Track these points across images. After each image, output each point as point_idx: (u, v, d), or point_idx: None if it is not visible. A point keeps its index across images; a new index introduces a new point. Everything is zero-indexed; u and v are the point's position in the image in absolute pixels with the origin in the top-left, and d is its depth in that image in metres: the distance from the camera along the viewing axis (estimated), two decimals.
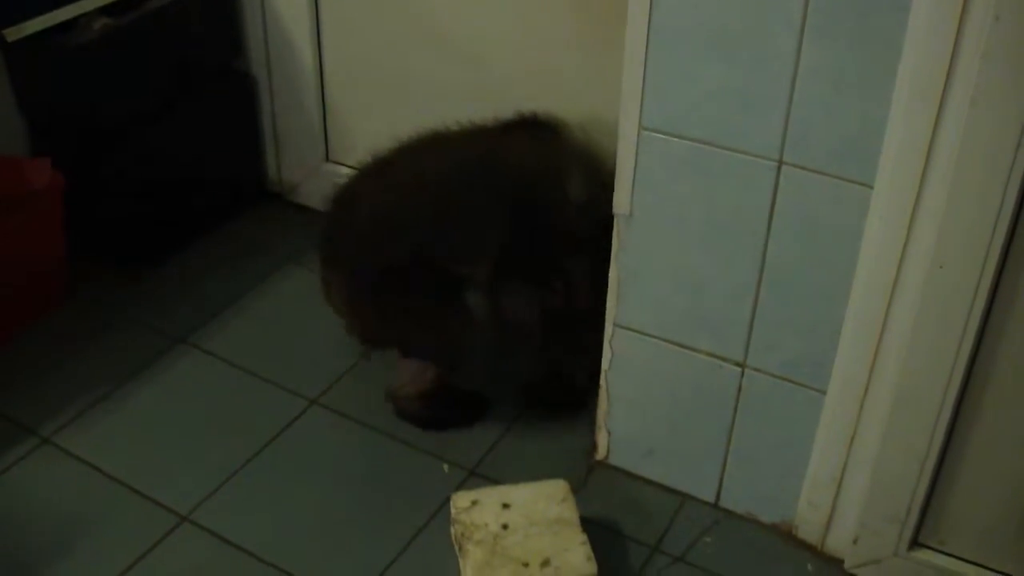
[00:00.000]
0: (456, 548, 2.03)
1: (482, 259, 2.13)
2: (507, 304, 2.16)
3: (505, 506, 2.03)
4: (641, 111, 1.82)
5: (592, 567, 1.93)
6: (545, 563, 1.93)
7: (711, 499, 2.17)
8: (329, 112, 2.88)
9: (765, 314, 1.91)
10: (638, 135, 1.85)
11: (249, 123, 2.96)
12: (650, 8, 1.75)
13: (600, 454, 2.24)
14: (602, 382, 2.15)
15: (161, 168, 2.74)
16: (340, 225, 2.31)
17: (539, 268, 2.17)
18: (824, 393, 1.93)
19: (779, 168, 1.77)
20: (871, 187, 1.71)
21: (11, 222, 2.52)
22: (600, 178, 2.12)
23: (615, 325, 2.06)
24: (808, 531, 2.08)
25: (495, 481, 2.17)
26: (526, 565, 1.92)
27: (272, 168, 3.02)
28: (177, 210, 2.83)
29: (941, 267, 1.69)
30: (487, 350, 2.21)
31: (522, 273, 2.16)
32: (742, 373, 1.99)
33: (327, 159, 2.95)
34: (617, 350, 2.09)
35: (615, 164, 1.94)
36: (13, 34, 2.49)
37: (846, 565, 2.04)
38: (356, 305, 2.28)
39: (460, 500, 2.05)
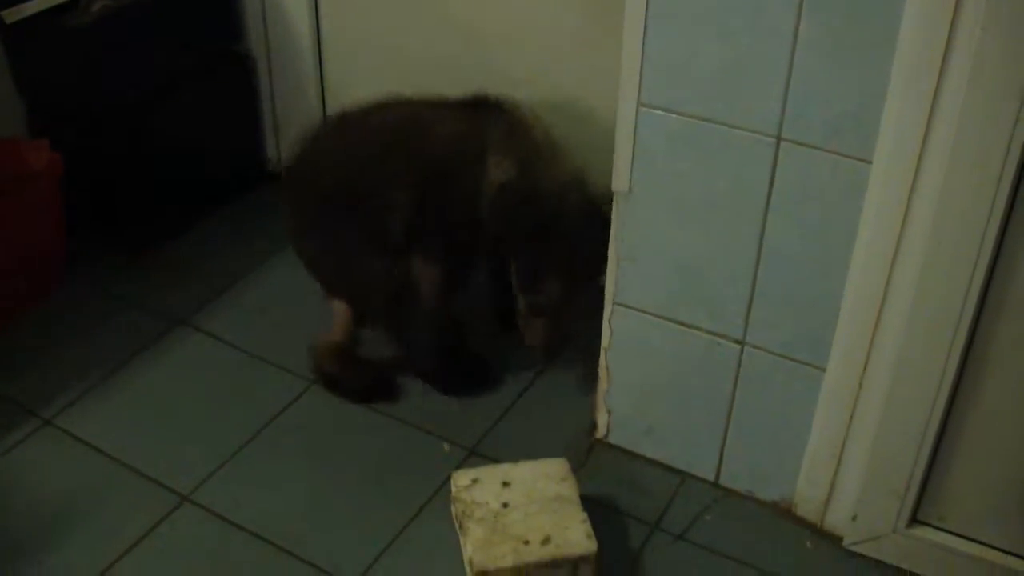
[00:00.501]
0: (457, 526, 2.03)
1: (394, 217, 2.21)
2: (412, 266, 2.25)
3: (505, 484, 2.04)
4: (640, 88, 1.82)
5: (592, 544, 1.93)
6: (546, 540, 1.93)
7: (711, 477, 2.17)
8: (328, 93, 2.88)
9: (764, 291, 1.91)
10: (637, 112, 1.85)
11: (248, 105, 2.96)
12: None
13: (600, 433, 2.25)
14: (601, 361, 2.15)
15: (160, 150, 2.74)
16: (294, 162, 2.44)
17: (442, 240, 2.24)
18: (823, 370, 1.93)
19: (778, 144, 1.77)
20: (870, 163, 1.71)
21: (9, 204, 2.51)
22: (533, 169, 2.17)
23: (614, 303, 2.06)
24: (807, 508, 2.09)
25: (495, 460, 2.17)
26: (527, 543, 1.93)
27: (272, 149, 3.03)
28: (177, 192, 2.83)
29: (940, 242, 1.69)
30: (390, 303, 2.31)
31: (428, 240, 2.23)
32: (741, 351, 1.99)
33: None
34: (616, 329, 2.09)
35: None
36: (12, 15, 2.49)
37: (845, 542, 2.05)
38: (296, 233, 2.43)
39: (460, 479, 2.06)
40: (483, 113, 2.26)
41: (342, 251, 2.31)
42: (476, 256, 2.29)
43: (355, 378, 2.38)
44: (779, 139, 1.76)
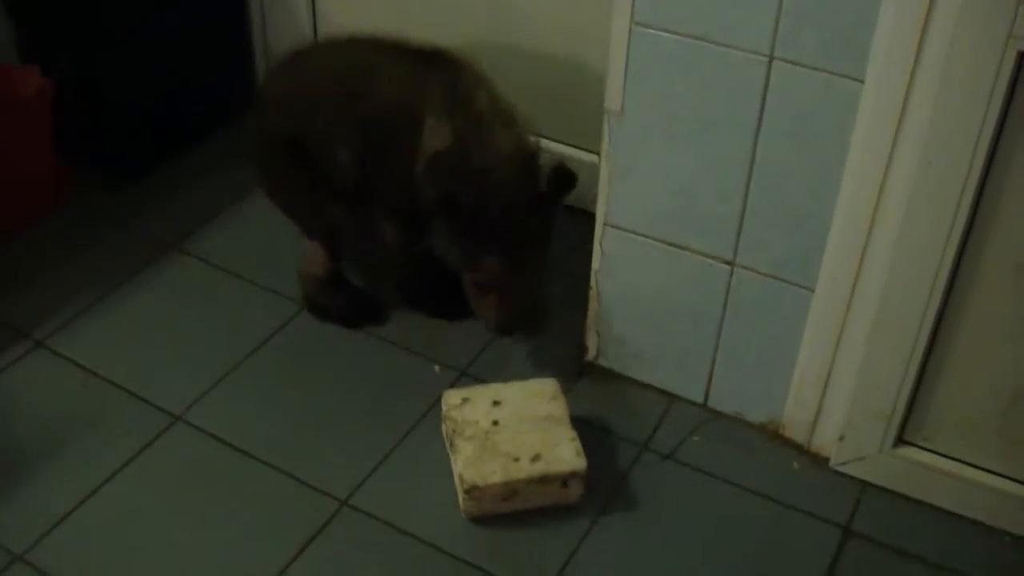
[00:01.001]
0: (447, 444, 2.05)
1: (341, 169, 2.18)
2: (370, 213, 2.23)
3: (496, 403, 2.05)
4: (633, 5, 1.82)
5: (581, 462, 1.95)
6: (535, 458, 1.95)
7: (699, 399, 2.19)
8: (319, 21, 2.86)
9: (754, 212, 1.92)
10: (630, 30, 1.84)
11: (238, 32, 2.95)
12: None
13: (590, 355, 2.26)
14: (592, 283, 2.16)
15: (150, 75, 2.73)
16: (256, 99, 2.41)
17: (388, 200, 2.20)
18: (812, 291, 1.94)
19: (770, 63, 1.77)
20: (862, 82, 1.71)
21: (0, 130, 2.51)
22: (473, 139, 2.06)
23: (605, 224, 2.07)
24: (795, 430, 2.11)
25: (486, 382, 2.18)
26: (516, 460, 1.95)
27: (261, 77, 3.01)
28: (168, 118, 2.82)
29: (929, 163, 1.70)
30: (357, 243, 2.33)
31: (376, 196, 2.20)
32: (731, 272, 2.00)
33: None
34: (607, 250, 2.10)
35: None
36: None
37: (832, 462, 2.07)
38: (258, 161, 2.39)
39: (451, 398, 2.08)
40: (433, 70, 2.13)
41: (301, 194, 2.30)
42: (424, 219, 2.19)
43: (342, 304, 2.39)
44: (772, 58, 1.76)
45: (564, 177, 2.07)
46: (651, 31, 1.83)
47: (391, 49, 2.19)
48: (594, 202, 2.09)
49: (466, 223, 2.03)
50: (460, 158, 2.04)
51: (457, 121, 2.06)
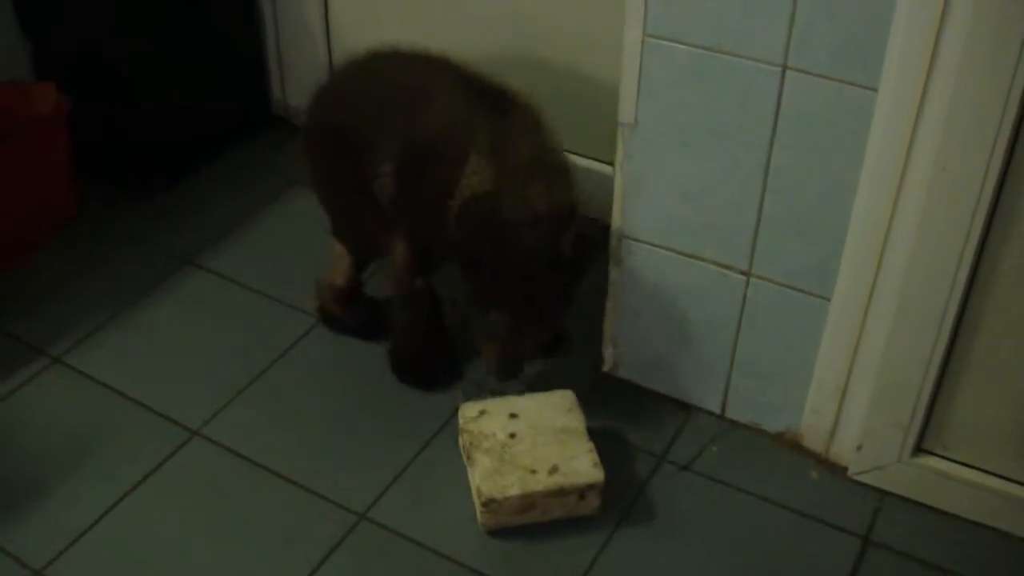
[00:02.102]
0: (464, 457, 2.05)
1: (380, 182, 2.14)
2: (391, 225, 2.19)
3: (512, 416, 2.05)
4: (645, 17, 1.82)
5: (599, 473, 1.95)
6: (553, 470, 1.95)
7: (716, 410, 2.19)
8: (333, 36, 2.87)
9: (769, 221, 1.92)
10: (642, 42, 1.85)
11: (254, 47, 2.96)
12: None
13: (607, 366, 2.26)
14: (609, 294, 2.16)
15: (165, 91, 2.74)
16: (319, 89, 2.37)
17: (415, 225, 2.16)
18: (829, 300, 1.94)
19: (783, 73, 1.77)
20: (875, 90, 1.70)
21: (17, 147, 2.52)
22: (513, 189, 1.97)
23: (621, 236, 2.07)
24: (812, 439, 2.10)
25: (502, 395, 2.19)
26: (534, 472, 1.95)
27: (277, 92, 3.02)
28: (183, 134, 2.83)
29: (945, 170, 1.69)
30: (375, 250, 2.29)
31: (403, 217, 2.17)
32: (747, 281, 2.00)
33: None
34: (623, 261, 2.10)
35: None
36: None
37: (850, 472, 2.07)
38: (306, 146, 2.36)
39: (468, 411, 2.08)
40: (487, 107, 2.06)
41: (340, 189, 2.30)
42: (440, 253, 2.15)
43: (358, 316, 2.39)
44: (785, 68, 1.76)
45: (587, 244, 1.99)
46: (664, 42, 1.83)
47: (455, 75, 2.14)
48: (608, 213, 2.09)
49: (483, 272, 1.99)
50: (494, 206, 1.97)
51: (499, 167, 1.98)
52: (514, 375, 2.11)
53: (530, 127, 2.06)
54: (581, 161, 2.60)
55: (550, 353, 2.31)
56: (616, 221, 2.07)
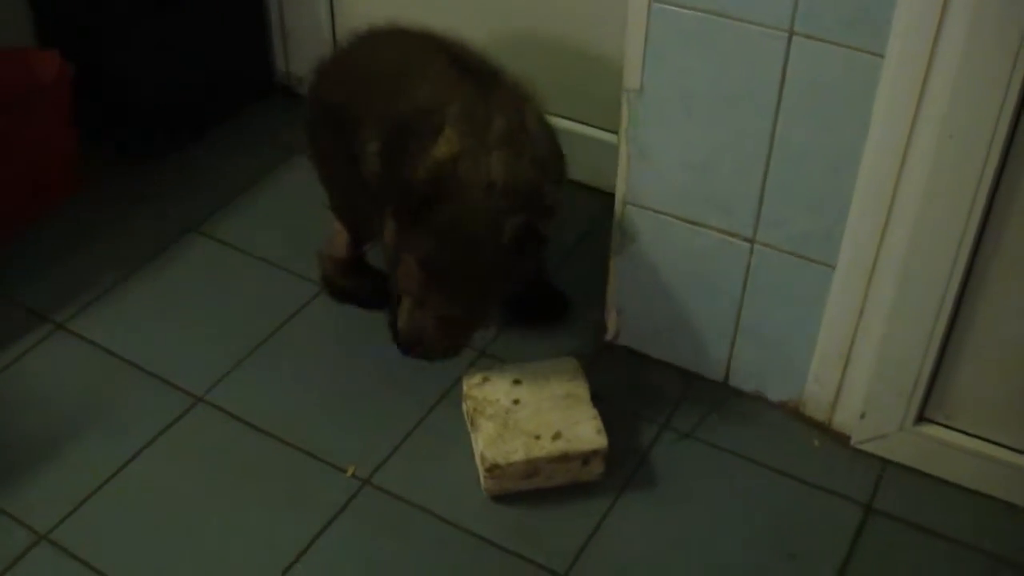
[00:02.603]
0: (468, 423, 2.06)
1: (368, 160, 2.11)
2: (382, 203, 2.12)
3: (516, 382, 2.06)
4: None
5: (603, 439, 1.96)
6: (556, 436, 1.95)
7: (719, 378, 2.19)
8: (337, 5, 2.86)
9: (774, 188, 1.91)
10: (648, 8, 1.84)
11: (256, 14, 2.95)
12: None
13: (610, 334, 2.26)
14: (611, 262, 2.16)
15: (169, 59, 2.74)
16: (321, 64, 2.35)
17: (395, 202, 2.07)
18: (833, 268, 1.94)
19: (790, 38, 1.76)
20: (882, 56, 1.70)
21: (21, 114, 2.52)
22: (481, 159, 1.92)
23: (625, 203, 2.07)
24: (815, 408, 2.11)
25: (505, 362, 2.19)
26: (537, 438, 1.95)
27: (280, 61, 3.01)
28: (186, 102, 2.82)
29: (951, 137, 1.69)
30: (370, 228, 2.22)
31: (387, 196, 2.08)
32: (751, 249, 2.00)
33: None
34: (627, 228, 2.10)
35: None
36: None
37: (852, 440, 2.07)
38: (307, 122, 2.35)
39: (472, 377, 2.08)
40: (469, 83, 2.03)
41: (336, 167, 2.29)
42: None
43: (361, 286, 2.39)
44: (791, 33, 1.76)
45: (530, 232, 1.89)
46: (670, 7, 1.83)
47: (444, 54, 2.12)
48: (611, 180, 2.09)
49: (416, 222, 1.92)
50: (454, 169, 1.91)
51: (469, 136, 1.95)
52: (408, 349, 2.02)
53: (509, 105, 2.01)
54: (583, 129, 2.60)
55: (545, 317, 2.32)
56: (620, 188, 2.06)
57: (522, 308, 2.30)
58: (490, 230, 1.88)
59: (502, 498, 1.98)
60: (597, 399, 2.04)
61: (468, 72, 2.07)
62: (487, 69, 2.10)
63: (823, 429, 2.11)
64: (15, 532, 1.94)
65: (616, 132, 2.49)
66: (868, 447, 2.06)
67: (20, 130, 2.50)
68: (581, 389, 2.05)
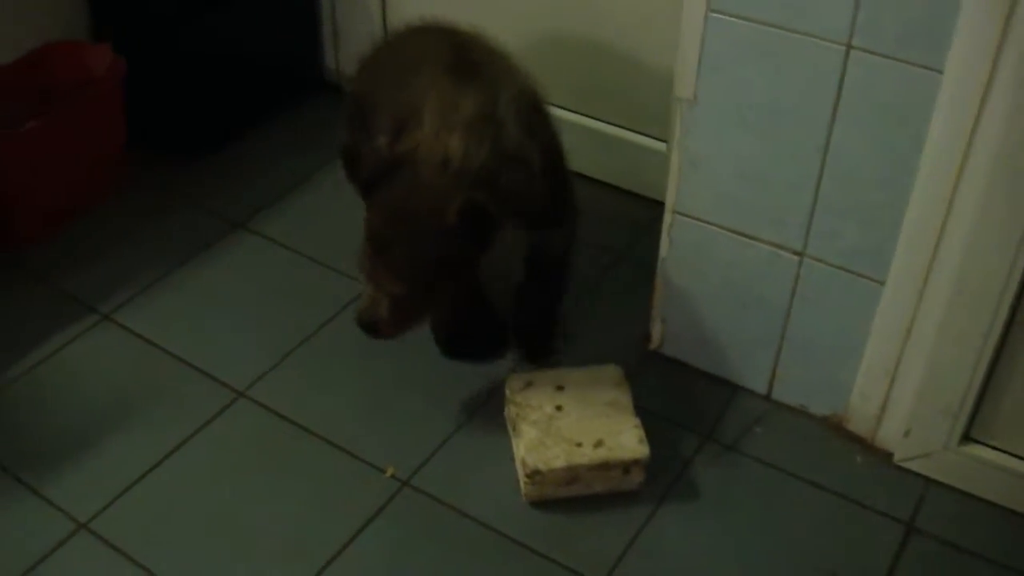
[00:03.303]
0: (510, 428, 2.05)
1: (379, 140, 2.07)
2: None
3: (559, 388, 2.05)
4: None
5: (645, 449, 1.95)
6: (598, 444, 1.95)
7: (763, 391, 2.18)
8: (389, 5, 2.87)
9: (826, 202, 1.90)
10: (705, 17, 1.83)
11: (307, 12, 2.96)
12: None
13: (654, 344, 2.25)
14: (659, 271, 2.15)
15: (220, 55, 2.75)
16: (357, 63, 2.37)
17: None
18: (882, 284, 1.92)
19: (847, 52, 1.75)
20: (941, 72, 1.69)
21: (72, 107, 2.54)
22: (444, 138, 1.89)
23: (674, 212, 2.06)
24: (859, 424, 2.09)
25: (548, 368, 2.19)
26: (579, 445, 1.95)
27: (330, 58, 3.02)
28: (236, 97, 2.84)
29: (1009, 156, 1.67)
30: None
31: None
32: (800, 262, 1.98)
33: None
34: (675, 238, 2.09)
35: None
36: None
37: (896, 458, 2.05)
38: (344, 107, 2.35)
39: (514, 382, 2.08)
40: (456, 76, 2.00)
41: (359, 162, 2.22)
42: None
43: None
44: (849, 47, 1.74)
45: (476, 212, 1.83)
46: (726, 18, 1.82)
47: (450, 46, 2.11)
48: (660, 189, 2.08)
49: (368, 198, 1.93)
50: (414, 150, 1.89)
51: (437, 120, 1.92)
52: (368, 329, 1.97)
53: (484, 92, 1.97)
54: (634, 137, 2.60)
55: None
56: (670, 197, 2.05)
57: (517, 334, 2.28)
58: (436, 207, 1.84)
59: (541, 504, 1.97)
60: (639, 408, 2.04)
61: (459, 65, 2.04)
62: (478, 59, 2.07)
63: (866, 445, 2.09)
64: (56, 520, 1.95)
65: (664, 140, 2.51)
66: (911, 465, 2.04)
67: (71, 122, 2.52)
68: (624, 397, 2.04)
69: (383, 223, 1.90)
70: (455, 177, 1.86)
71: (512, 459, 2.03)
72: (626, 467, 1.95)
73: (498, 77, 2.04)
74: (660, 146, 2.54)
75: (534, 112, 2.06)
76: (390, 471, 2.04)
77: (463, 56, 2.07)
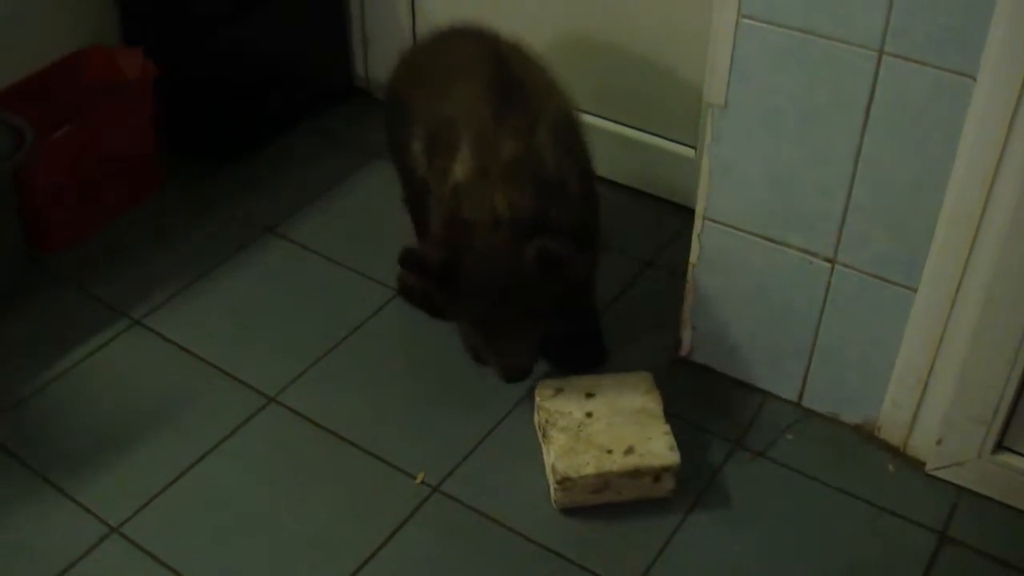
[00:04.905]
0: (540, 434, 2.05)
1: (414, 161, 2.13)
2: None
3: (589, 395, 2.05)
4: None
5: (675, 456, 1.94)
6: (629, 451, 1.94)
7: (794, 398, 2.17)
8: (418, 9, 2.87)
9: (858, 209, 1.89)
10: (736, 23, 1.83)
11: (337, 18, 2.97)
12: None
13: (684, 350, 2.25)
14: (689, 277, 2.15)
15: (251, 60, 2.76)
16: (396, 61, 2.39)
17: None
18: (915, 291, 1.91)
19: (880, 58, 1.74)
20: (974, 78, 1.67)
21: (104, 111, 2.56)
22: (486, 183, 1.93)
23: (705, 218, 2.05)
24: (891, 432, 2.08)
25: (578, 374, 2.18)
26: (609, 452, 1.94)
27: (360, 65, 3.03)
28: (266, 103, 2.85)
29: None
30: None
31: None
32: (832, 269, 1.97)
33: None
34: (705, 244, 2.08)
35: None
36: None
37: (928, 467, 2.04)
38: (384, 103, 2.40)
39: (545, 388, 2.08)
40: (496, 96, 2.01)
41: (401, 166, 2.27)
42: None
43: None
44: (881, 53, 1.73)
45: (551, 257, 1.88)
46: (758, 24, 1.81)
47: (487, 59, 2.11)
48: (688, 195, 2.08)
49: (444, 290, 1.95)
50: (461, 203, 1.94)
51: (475, 164, 1.95)
52: (514, 379, 2.02)
53: (524, 126, 1.99)
54: (662, 143, 2.59)
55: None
56: (701, 203, 2.05)
57: (560, 352, 2.24)
58: (512, 270, 1.89)
59: (571, 511, 1.97)
60: (669, 415, 2.03)
61: (498, 81, 2.05)
62: (518, 76, 2.08)
63: (898, 454, 2.08)
64: (88, 524, 1.96)
65: (694, 147, 2.50)
66: (944, 474, 2.03)
67: (102, 126, 2.54)
68: (654, 404, 2.03)
69: (478, 310, 1.96)
70: (512, 232, 1.90)
71: (542, 466, 2.02)
72: (656, 474, 1.94)
73: (537, 96, 2.05)
74: (690, 152, 2.53)
75: (570, 131, 2.09)
76: (420, 477, 2.04)
77: (504, 71, 2.08)
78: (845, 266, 1.96)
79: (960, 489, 2.02)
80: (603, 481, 1.93)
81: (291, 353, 2.28)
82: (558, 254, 1.88)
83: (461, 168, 1.96)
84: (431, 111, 2.10)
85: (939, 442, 2.00)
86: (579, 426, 1.99)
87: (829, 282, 1.99)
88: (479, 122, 1.99)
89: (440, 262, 1.91)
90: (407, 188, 2.29)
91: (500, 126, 1.98)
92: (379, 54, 2.97)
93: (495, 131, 1.98)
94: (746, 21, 1.82)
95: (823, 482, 2.04)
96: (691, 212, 2.09)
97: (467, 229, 1.92)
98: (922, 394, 2.00)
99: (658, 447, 1.95)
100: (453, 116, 2.04)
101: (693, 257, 2.12)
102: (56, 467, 2.05)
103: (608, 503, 1.96)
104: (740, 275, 2.09)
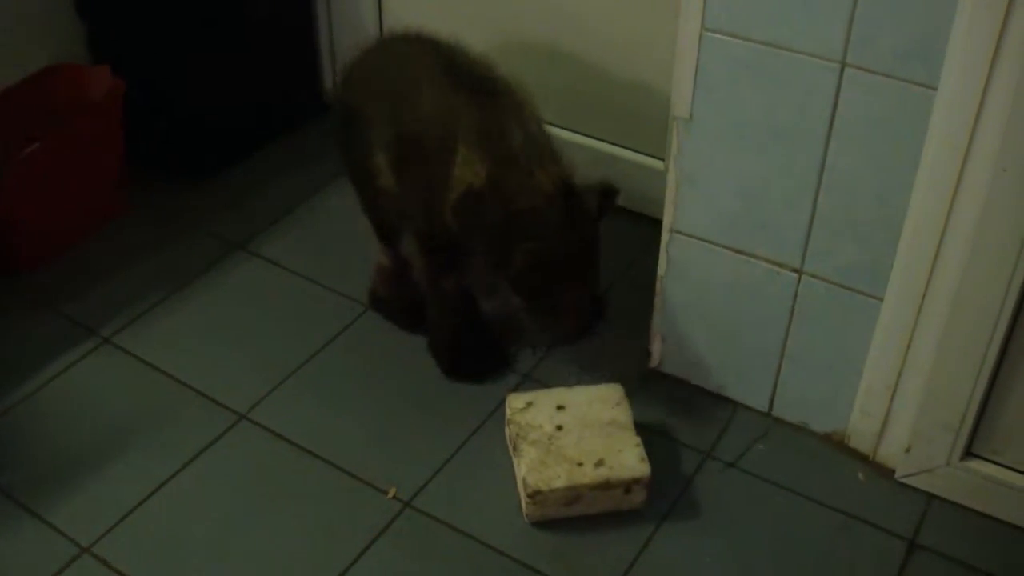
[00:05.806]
0: (511, 448, 2.05)
1: (380, 176, 2.16)
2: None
3: (560, 408, 2.05)
4: (704, 11, 1.81)
5: (645, 468, 1.95)
6: (599, 463, 1.95)
7: (764, 408, 2.18)
8: (385, 23, 2.87)
9: (823, 219, 1.90)
10: (700, 36, 1.84)
11: (306, 38, 2.97)
12: None
13: (654, 362, 2.26)
14: (657, 289, 2.16)
15: (219, 80, 2.75)
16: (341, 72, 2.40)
17: (419, 221, 2.15)
18: (881, 300, 1.92)
19: (842, 70, 1.75)
20: (935, 89, 1.69)
21: (71, 129, 2.54)
22: (508, 178, 1.98)
23: (672, 231, 2.06)
24: (860, 440, 2.09)
25: (549, 386, 2.18)
26: (580, 464, 1.95)
27: (329, 81, 3.03)
28: (235, 121, 2.84)
29: (1005, 170, 1.68)
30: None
31: (407, 216, 2.17)
32: (799, 279, 1.99)
33: None
34: (673, 256, 2.09)
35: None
36: None
37: (897, 474, 2.05)
38: (333, 117, 2.40)
39: (515, 401, 2.08)
40: (472, 96, 2.05)
41: (356, 169, 2.28)
42: (452, 248, 2.10)
43: (399, 298, 2.37)
44: (844, 65, 1.75)
45: (611, 196, 2.03)
46: (721, 37, 1.83)
47: (441, 62, 2.13)
48: (658, 207, 2.09)
49: (520, 262, 1.97)
50: (496, 197, 1.96)
51: (491, 157, 1.99)
52: (579, 337, 2.08)
53: (515, 115, 2.05)
54: (631, 155, 2.60)
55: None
56: (667, 216, 2.06)
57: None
58: (578, 224, 1.99)
59: (543, 524, 1.97)
60: (640, 427, 2.04)
61: (464, 79, 2.08)
62: (480, 74, 2.11)
63: (867, 462, 2.09)
64: (58, 544, 1.95)
65: (662, 159, 2.51)
66: (913, 481, 2.04)
67: (70, 144, 2.53)
68: (625, 416, 2.04)
69: (552, 278, 2.00)
70: (566, 199, 1.97)
71: (514, 479, 2.03)
72: (627, 486, 1.95)
73: (505, 88, 2.09)
74: (658, 164, 2.54)
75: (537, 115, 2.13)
76: (392, 492, 2.04)
77: (466, 73, 2.10)
78: (812, 276, 1.97)
79: (930, 496, 2.03)
80: (574, 494, 1.93)
81: (262, 370, 2.28)
82: (614, 187, 2.01)
83: (469, 170, 1.98)
84: (395, 121, 2.11)
85: (908, 450, 2.01)
86: (550, 439, 1.99)
87: (796, 292, 2.00)
88: (474, 122, 2.01)
89: (511, 241, 1.96)
90: (363, 194, 2.30)
91: (496, 120, 2.02)
92: None
93: (495, 126, 2.01)
94: (710, 34, 1.83)
95: (794, 491, 2.05)
96: (660, 224, 2.10)
97: (530, 216, 1.95)
98: (890, 402, 2.01)
99: (629, 459, 1.96)
100: (430, 123, 2.04)
101: (661, 269, 2.13)
102: (26, 487, 2.04)
103: (580, 516, 1.97)
104: (708, 286, 2.09)
